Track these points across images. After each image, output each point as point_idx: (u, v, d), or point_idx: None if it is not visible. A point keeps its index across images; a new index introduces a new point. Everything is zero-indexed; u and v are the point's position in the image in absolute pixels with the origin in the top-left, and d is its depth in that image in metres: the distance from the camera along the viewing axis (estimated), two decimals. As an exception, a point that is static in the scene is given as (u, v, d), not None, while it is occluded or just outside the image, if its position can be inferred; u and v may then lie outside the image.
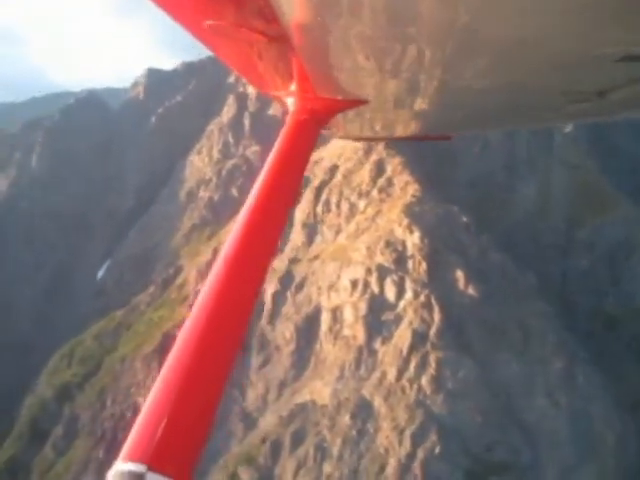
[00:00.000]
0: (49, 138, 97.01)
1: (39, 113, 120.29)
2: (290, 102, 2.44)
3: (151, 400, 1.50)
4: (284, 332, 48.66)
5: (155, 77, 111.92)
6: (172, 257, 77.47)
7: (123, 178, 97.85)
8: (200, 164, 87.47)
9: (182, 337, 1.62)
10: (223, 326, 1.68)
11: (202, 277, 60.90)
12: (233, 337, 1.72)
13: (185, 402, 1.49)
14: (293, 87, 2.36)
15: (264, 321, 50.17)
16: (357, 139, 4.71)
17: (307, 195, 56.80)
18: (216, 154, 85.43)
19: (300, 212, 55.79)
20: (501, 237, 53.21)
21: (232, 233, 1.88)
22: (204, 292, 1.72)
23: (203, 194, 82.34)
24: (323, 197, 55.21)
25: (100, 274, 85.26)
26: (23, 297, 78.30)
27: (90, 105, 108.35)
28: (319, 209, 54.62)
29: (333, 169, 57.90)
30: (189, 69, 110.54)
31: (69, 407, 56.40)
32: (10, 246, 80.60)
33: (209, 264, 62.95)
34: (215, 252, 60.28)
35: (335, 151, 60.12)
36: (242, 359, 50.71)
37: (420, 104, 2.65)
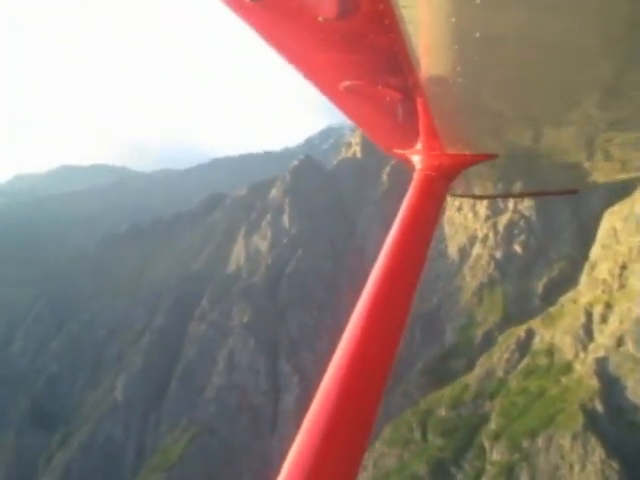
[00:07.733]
0: (290, 199, 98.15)
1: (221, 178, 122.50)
2: (416, 160, 2.38)
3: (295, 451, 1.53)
4: None
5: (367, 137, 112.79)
6: (464, 319, 74.20)
7: (360, 237, 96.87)
8: (463, 221, 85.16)
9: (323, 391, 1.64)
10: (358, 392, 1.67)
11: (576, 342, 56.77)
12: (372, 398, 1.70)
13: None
14: (419, 145, 2.29)
15: None
16: (476, 198, 3.89)
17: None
18: (484, 210, 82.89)
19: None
20: None
21: (363, 294, 1.84)
22: (337, 355, 1.73)
23: (481, 252, 79.38)
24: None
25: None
26: (308, 363, 76.54)
27: (309, 166, 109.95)
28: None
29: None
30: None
31: (450, 486, 52.29)
32: (291, 308, 79.79)
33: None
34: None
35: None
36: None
37: (551, 157, 2.51)
